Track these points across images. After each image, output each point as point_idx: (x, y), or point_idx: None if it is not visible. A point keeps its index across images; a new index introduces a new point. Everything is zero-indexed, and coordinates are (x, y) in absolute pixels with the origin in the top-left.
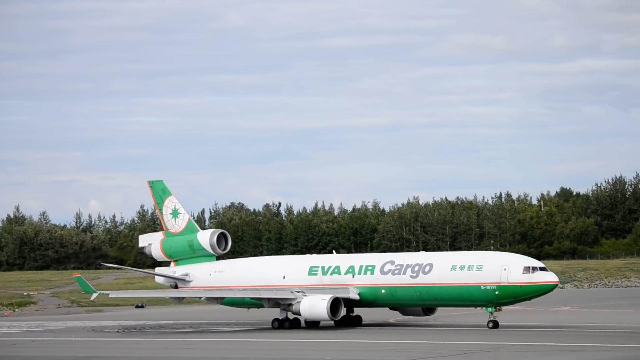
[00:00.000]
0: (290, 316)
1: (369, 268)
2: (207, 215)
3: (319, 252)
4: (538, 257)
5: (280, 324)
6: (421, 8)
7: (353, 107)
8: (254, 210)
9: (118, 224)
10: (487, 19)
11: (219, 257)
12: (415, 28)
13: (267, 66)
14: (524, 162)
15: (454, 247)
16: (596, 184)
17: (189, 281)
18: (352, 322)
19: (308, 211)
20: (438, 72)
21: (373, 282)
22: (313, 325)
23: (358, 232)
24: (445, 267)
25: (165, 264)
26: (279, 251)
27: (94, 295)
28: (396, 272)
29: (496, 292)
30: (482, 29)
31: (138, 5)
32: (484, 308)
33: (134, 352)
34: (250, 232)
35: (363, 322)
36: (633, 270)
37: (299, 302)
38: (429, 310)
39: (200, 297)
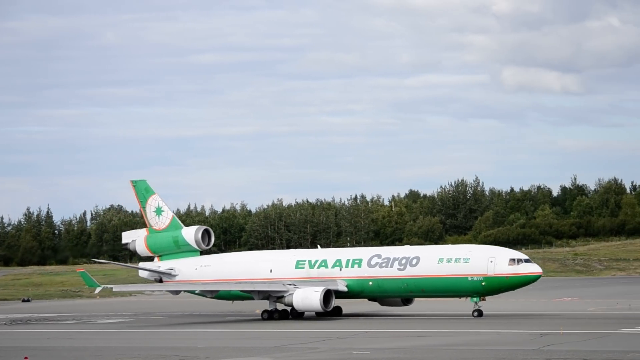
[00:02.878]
0: (279, 307)
1: (356, 261)
2: (88, 217)
3: None
4: None
5: (270, 315)
6: (281, 28)
7: (221, 118)
8: (132, 211)
9: (6, 225)
10: (341, 39)
11: (202, 252)
12: (276, 46)
13: (142, 80)
14: (376, 167)
15: (314, 244)
16: (441, 187)
17: (175, 275)
18: (333, 312)
19: (182, 212)
20: (298, 85)
21: (360, 275)
22: (299, 315)
23: (227, 231)
24: (433, 260)
25: (145, 259)
26: None
27: (98, 289)
28: (383, 265)
29: (483, 283)
30: (337, 48)
31: (22, 24)
32: (469, 298)
33: (20, 342)
34: None
35: (342, 313)
36: None
37: (291, 294)
38: (407, 300)
39: (195, 291)
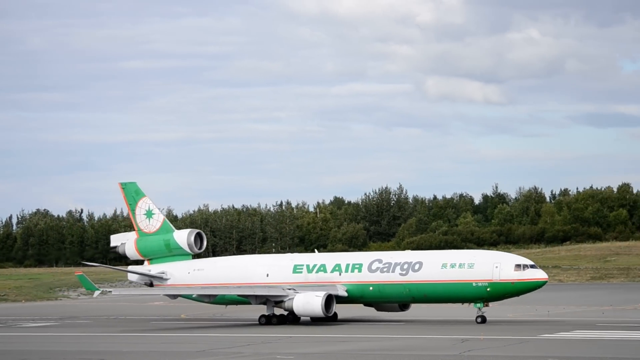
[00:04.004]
0: (277, 312)
1: (356, 266)
2: (14, 221)
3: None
4: None
5: (268, 320)
6: (207, 36)
7: (147, 124)
8: (58, 216)
9: None
10: (267, 47)
11: (194, 256)
12: (202, 53)
13: (67, 85)
14: (301, 173)
15: (240, 250)
16: (365, 194)
17: (166, 279)
18: (330, 318)
19: (108, 217)
20: (224, 92)
21: (361, 280)
22: (295, 321)
23: None
24: (436, 265)
25: (134, 262)
26: (80, 253)
27: (97, 293)
28: (384, 270)
29: (488, 289)
30: (262, 56)
31: None
32: (472, 304)
33: None
34: (54, 236)
35: (338, 318)
36: None
37: (291, 299)
38: (404, 306)
39: (192, 295)
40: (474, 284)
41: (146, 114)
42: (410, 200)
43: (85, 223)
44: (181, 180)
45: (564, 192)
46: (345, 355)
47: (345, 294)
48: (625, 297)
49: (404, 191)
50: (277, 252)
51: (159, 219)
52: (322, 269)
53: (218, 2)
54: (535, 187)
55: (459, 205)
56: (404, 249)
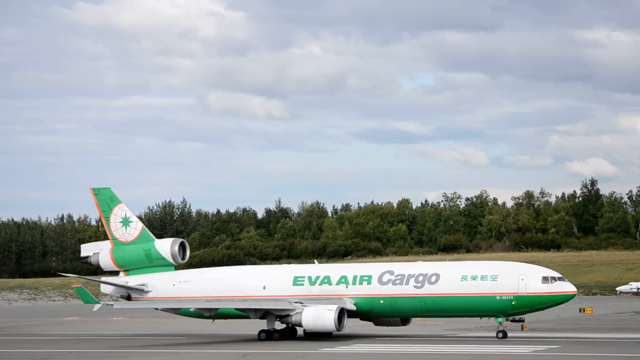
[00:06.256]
0: (278, 326)
1: (365, 278)
2: None
3: None
4: (95, 273)
5: (269, 335)
6: None
7: None
8: None
9: None
10: (47, 58)
11: (177, 267)
12: None
13: None
14: (83, 186)
15: (19, 264)
16: (148, 207)
17: (147, 292)
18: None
19: None
20: (4, 104)
21: (370, 293)
22: (292, 335)
23: None
24: (455, 277)
25: (108, 273)
26: None
27: (97, 307)
28: (397, 282)
29: (512, 302)
30: (43, 67)
31: None
32: (493, 318)
33: None
34: None
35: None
36: None
37: (299, 312)
38: (405, 320)
39: (190, 309)
40: (497, 297)
41: None
42: (193, 214)
43: None
44: None
45: (346, 207)
46: None
47: (354, 308)
48: None
49: (187, 205)
50: (57, 265)
51: (137, 227)
52: (326, 280)
53: None
54: (317, 202)
55: (242, 220)
56: (188, 265)
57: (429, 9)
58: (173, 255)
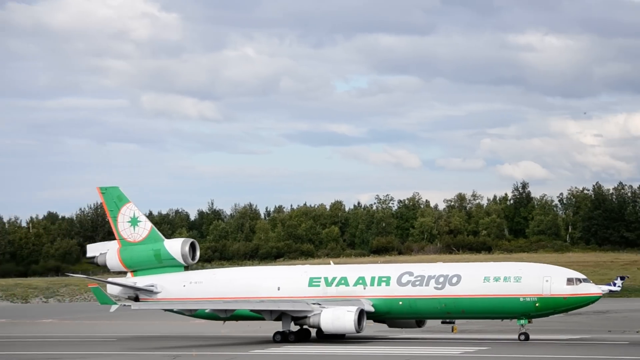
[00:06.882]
0: (294, 328)
1: (383, 279)
2: None
3: None
4: (25, 275)
5: (284, 337)
6: None
7: None
8: None
9: None
10: None
11: (186, 267)
12: None
13: None
14: (14, 188)
15: None
16: (80, 209)
17: (157, 292)
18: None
19: None
20: None
21: (389, 294)
22: (306, 337)
23: None
24: (477, 279)
25: (114, 274)
26: None
27: (114, 307)
28: (417, 283)
29: (537, 304)
30: None
31: None
32: (515, 320)
33: None
34: None
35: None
36: None
37: (317, 314)
38: (420, 322)
39: (205, 310)
40: (521, 299)
41: None
42: None
43: None
44: None
45: (279, 209)
46: None
47: (372, 309)
48: None
49: None
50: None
51: (145, 226)
52: (342, 282)
53: None
54: (250, 204)
55: (174, 222)
56: None
57: (363, 12)
58: (184, 256)
